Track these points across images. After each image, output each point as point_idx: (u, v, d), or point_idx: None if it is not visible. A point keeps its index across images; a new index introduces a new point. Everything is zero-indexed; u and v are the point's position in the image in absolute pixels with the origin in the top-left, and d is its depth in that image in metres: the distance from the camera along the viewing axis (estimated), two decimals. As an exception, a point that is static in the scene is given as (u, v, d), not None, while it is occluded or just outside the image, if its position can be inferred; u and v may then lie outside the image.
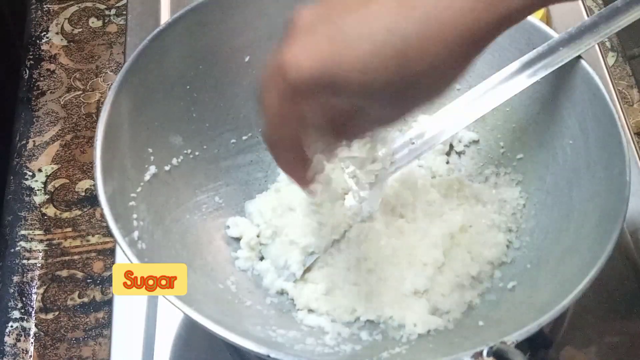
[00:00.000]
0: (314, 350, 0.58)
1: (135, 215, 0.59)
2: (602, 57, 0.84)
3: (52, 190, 0.81)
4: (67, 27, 0.95)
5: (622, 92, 0.88)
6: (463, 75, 0.46)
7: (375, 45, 0.43)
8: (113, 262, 0.74)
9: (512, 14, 0.44)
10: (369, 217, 0.66)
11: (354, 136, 0.54)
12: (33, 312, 0.73)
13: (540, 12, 0.83)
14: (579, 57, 0.62)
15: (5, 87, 0.95)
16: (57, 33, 0.94)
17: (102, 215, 0.56)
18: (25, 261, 0.76)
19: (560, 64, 0.62)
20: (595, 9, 0.96)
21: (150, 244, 0.58)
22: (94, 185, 0.71)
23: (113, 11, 0.96)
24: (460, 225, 0.66)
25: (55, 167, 0.83)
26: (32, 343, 0.71)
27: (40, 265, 0.76)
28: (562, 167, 0.64)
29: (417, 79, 0.44)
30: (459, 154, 0.73)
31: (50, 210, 0.80)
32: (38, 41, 0.93)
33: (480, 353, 0.49)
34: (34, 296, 0.74)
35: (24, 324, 0.72)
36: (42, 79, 0.90)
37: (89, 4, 0.97)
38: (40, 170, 0.83)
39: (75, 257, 0.77)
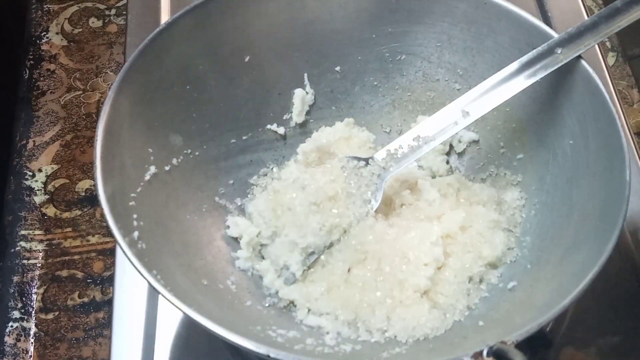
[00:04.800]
0: (314, 350, 0.58)
1: (135, 215, 0.59)
2: (602, 57, 0.84)
3: (52, 190, 0.81)
4: (67, 27, 0.95)
5: (622, 92, 0.88)
6: None
7: None
8: (113, 262, 0.74)
9: None
10: (369, 216, 0.66)
11: None
12: (33, 312, 0.73)
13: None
14: (579, 57, 0.63)
15: (5, 87, 0.95)
16: (57, 33, 0.94)
17: (102, 215, 0.56)
18: (25, 261, 0.76)
19: (560, 64, 0.62)
20: (595, 9, 0.96)
21: (150, 244, 0.58)
22: (94, 185, 0.71)
23: (113, 11, 0.96)
24: (460, 225, 0.66)
25: (55, 167, 0.83)
26: (32, 343, 0.71)
27: (40, 265, 0.76)
28: (562, 167, 0.64)
29: None
30: (459, 154, 0.73)
31: (50, 210, 0.80)
32: (38, 41, 0.93)
33: (480, 353, 0.49)
34: (34, 296, 0.74)
35: (24, 324, 0.72)
36: (42, 79, 0.90)
37: (89, 4, 0.97)
38: (40, 170, 0.83)
39: (75, 257, 0.77)
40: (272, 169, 0.72)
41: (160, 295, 0.53)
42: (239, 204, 0.69)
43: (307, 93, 0.73)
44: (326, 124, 0.74)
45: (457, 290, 0.63)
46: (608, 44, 0.91)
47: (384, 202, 0.67)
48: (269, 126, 0.72)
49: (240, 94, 0.71)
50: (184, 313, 0.52)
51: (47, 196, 0.81)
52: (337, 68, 0.73)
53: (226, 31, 0.69)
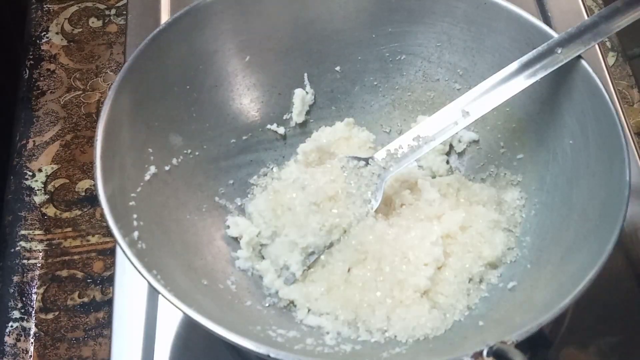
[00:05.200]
0: (314, 350, 0.58)
1: (135, 215, 0.59)
2: (602, 57, 0.85)
3: (52, 190, 0.81)
4: (67, 27, 0.95)
5: (622, 92, 0.88)
6: None
7: None
8: (113, 262, 0.74)
9: None
10: (369, 216, 0.66)
11: None
12: (33, 312, 0.73)
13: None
14: (579, 57, 0.62)
15: (5, 87, 0.95)
16: (57, 33, 0.94)
17: (102, 215, 0.56)
18: (25, 261, 0.76)
19: (560, 64, 0.62)
20: (596, 9, 0.96)
21: (150, 244, 0.58)
22: (94, 185, 0.71)
23: (113, 11, 0.96)
24: (460, 225, 0.66)
25: (55, 167, 0.83)
26: (32, 343, 0.71)
27: (40, 265, 0.76)
28: (562, 167, 0.64)
29: None
30: (459, 154, 0.73)
31: (50, 210, 0.80)
32: (38, 41, 0.93)
33: (481, 353, 0.49)
34: (34, 296, 0.74)
35: (24, 324, 0.72)
36: (42, 79, 0.90)
37: (89, 4, 0.97)
38: (40, 170, 0.83)
39: (75, 257, 0.77)
40: (272, 169, 0.72)
41: (160, 295, 0.53)
42: (239, 204, 0.69)
43: (307, 93, 0.73)
44: (326, 123, 0.74)
45: (457, 290, 0.63)
46: (608, 44, 0.91)
47: (384, 202, 0.67)
48: (269, 126, 0.72)
49: (241, 94, 0.71)
50: (184, 313, 0.52)
51: (47, 196, 0.81)
52: (337, 68, 0.73)
53: (226, 31, 0.69)
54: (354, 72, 0.73)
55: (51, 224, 0.79)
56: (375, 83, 0.74)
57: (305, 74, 0.73)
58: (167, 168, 0.65)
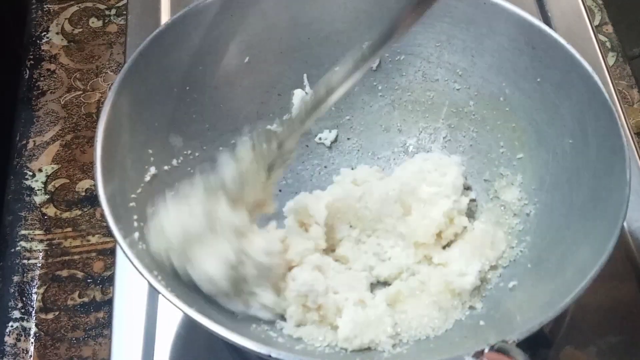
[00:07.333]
0: (315, 351, 0.58)
1: (135, 216, 0.59)
2: (602, 57, 0.85)
3: (53, 190, 0.81)
4: (67, 27, 0.95)
5: (622, 92, 0.88)
6: None
7: None
8: (113, 262, 0.74)
9: None
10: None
11: None
12: (33, 312, 0.73)
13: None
14: (579, 56, 0.63)
15: (5, 87, 0.95)
16: (57, 33, 0.94)
17: (103, 216, 0.56)
18: (25, 261, 0.76)
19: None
20: (595, 8, 0.96)
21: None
22: (94, 185, 0.71)
23: (113, 11, 0.96)
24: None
25: (56, 167, 0.83)
26: (32, 343, 0.71)
27: (40, 265, 0.76)
28: (562, 167, 0.64)
29: None
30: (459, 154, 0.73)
31: (51, 210, 0.80)
32: (38, 41, 0.93)
33: (482, 352, 0.49)
34: (34, 296, 0.74)
35: (24, 323, 0.72)
36: (42, 79, 0.90)
37: (89, 4, 0.97)
38: (40, 170, 0.83)
39: (76, 257, 0.77)
40: (272, 169, 0.72)
41: (160, 295, 0.53)
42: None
43: (306, 94, 0.73)
44: (326, 125, 0.74)
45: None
46: (608, 44, 0.91)
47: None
48: (268, 127, 0.72)
49: (240, 95, 0.71)
50: (184, 313, 0.52)
51: (47, 196, 0.81)
52: (337, 68, 0.73)
53: (226, 32, 0.69)
54: (353, 72, 0.73)
55: (51, 224, 0.79)
56: (374, 83, 0.74)
57: (305, 75, 0.73)
58: (167, 168, 0.65)
